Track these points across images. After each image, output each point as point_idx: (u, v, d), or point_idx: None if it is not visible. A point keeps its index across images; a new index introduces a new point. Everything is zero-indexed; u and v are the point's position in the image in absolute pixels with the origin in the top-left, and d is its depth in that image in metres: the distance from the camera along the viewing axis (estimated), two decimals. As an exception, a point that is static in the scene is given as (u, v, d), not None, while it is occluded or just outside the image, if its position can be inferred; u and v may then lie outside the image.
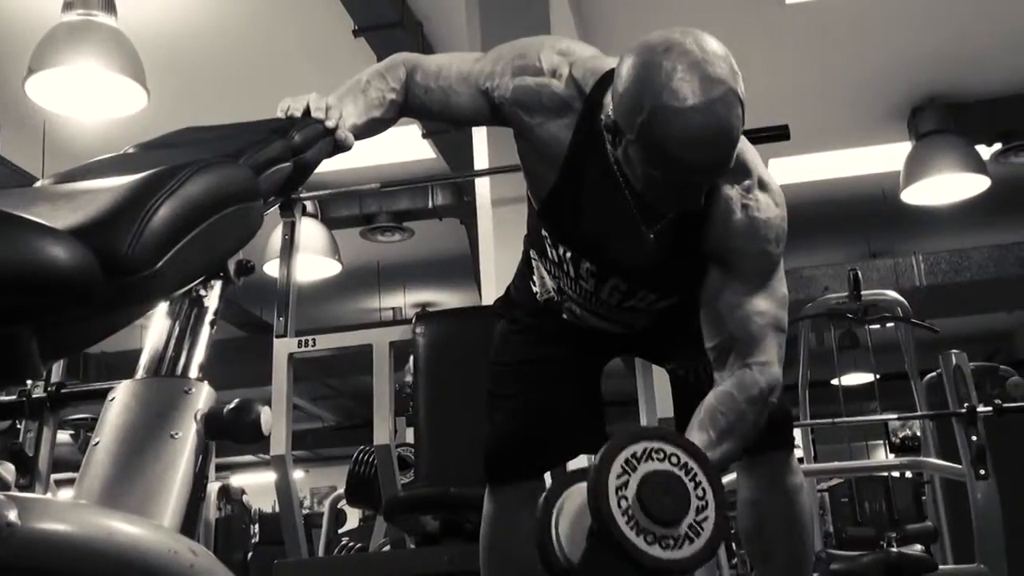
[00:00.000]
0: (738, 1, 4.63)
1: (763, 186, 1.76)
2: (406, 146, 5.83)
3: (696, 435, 1.64)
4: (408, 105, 1.86)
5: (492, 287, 3.47)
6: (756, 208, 1.73)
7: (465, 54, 1.91)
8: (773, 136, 2.97)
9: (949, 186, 5.79)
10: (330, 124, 1.57)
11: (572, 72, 1.73)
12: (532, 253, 2.02)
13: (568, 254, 1.86)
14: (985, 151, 5.94)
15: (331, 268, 6.47)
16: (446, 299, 9.06)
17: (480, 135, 3.71)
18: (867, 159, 6.46)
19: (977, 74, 5.61)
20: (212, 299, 1.20)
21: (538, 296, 2.05)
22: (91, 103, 4.40)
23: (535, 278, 2.04)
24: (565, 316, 2.02)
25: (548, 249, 1.91)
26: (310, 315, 6.85)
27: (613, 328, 1.99)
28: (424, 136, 5.58)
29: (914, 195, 5.87)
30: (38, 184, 1.18)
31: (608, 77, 1.65)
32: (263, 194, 1.18)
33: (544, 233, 1.90)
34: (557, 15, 3.82)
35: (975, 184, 5.79)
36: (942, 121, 5.78)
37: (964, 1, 4.81)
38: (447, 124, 1.91)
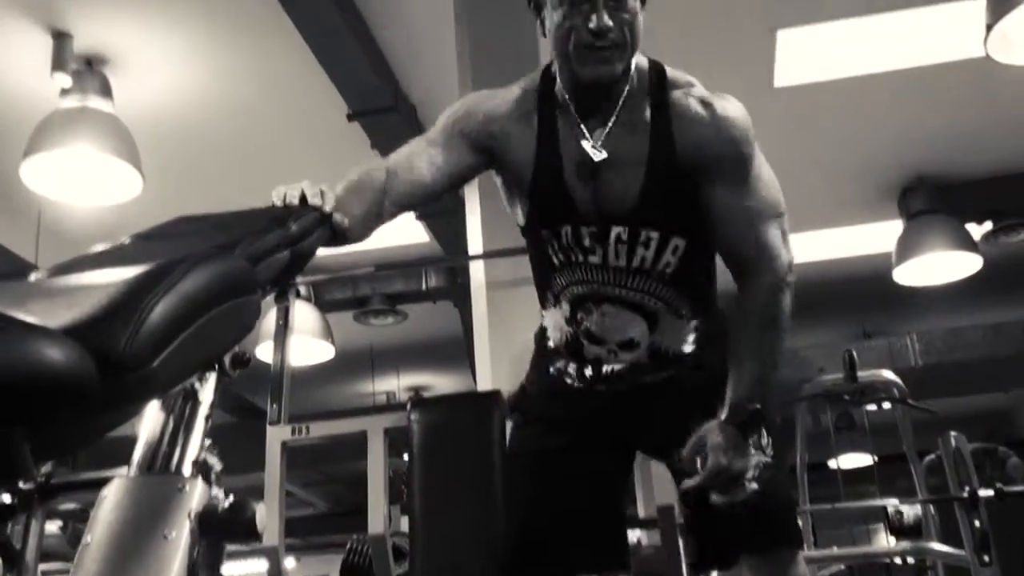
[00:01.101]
0: (727, 84, 4.67)
1: (713, 93, 1.92)
2: (400, 229, 5.83)
3: (748, 359, 1.82)
4: (396, 189, 1.85)
5: (486, 370, 3.45)
6: (716, 106, 1.88)
7: (413, 140, 1.99)
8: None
9: (941, 266, 5.81)
10: (327, 208, 1.56)
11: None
12: (543, 312, 2.05)
13: (569, 233, 1.89)
14: (976, 230, 5.97)
15: (325, 352, 6.44)
16: (440, 382, 9.00)
17: (474, 218, 3.71)
18: (859, 239, 6.48)
19: (966, 154, 5.66)
20: (207, 392, 1.18)
21: (553, 345, 2.04)
22: (86, 188, 4.42)
23: (550, 333, 2.05)
24: (584, 369, 2.01)
25: (553, 256, 1.93)
26: (303, 399, 6.79)
27: (632, 331, 1.93)
28: (418, 219, 5.59)
29: (906, 275, 5.88)
30: (32, 277, 1.17)
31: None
32: (260, 285, 1.16)
33: (545, 238, 1.92)
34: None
35: (967, 263, 5.80)
36: (932, 201, 5.81)
37: (952, 83, 4.87)
38: (437, 194, 1.90)
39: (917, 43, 4.56)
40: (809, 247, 6.51)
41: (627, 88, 1.87)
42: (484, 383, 3.41)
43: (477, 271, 3.63)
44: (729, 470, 1.71)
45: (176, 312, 0.92)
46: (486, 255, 3.51)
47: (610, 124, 1.87)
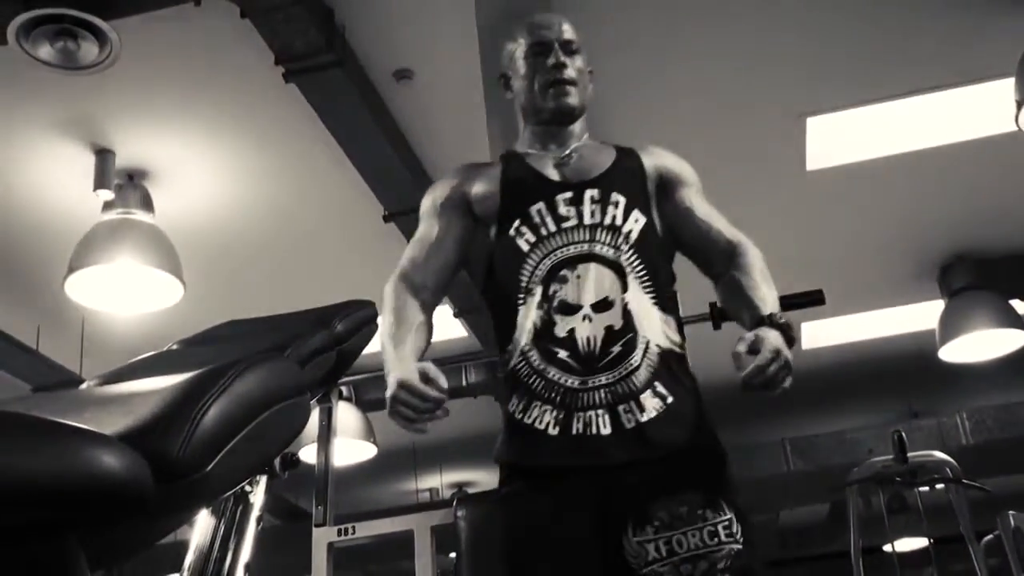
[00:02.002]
0: (760, 170, 4.71)
1: None
2: (438, 326, 5.85)
3: (764, 287, 1.96)
4: (427, 291, 2.11)
5: (532, 465, 3.42)
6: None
7: (411, 243, 2.22)
8: (809, 301, 2.96)
9: (986, 342, 5.73)
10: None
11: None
12: (512, 339, 2.00)
13: (543, 209, 2.02)
14: (1020, 306, 5.90)
15: (367, 451, 6.42)
16: (483, 478, 8.93)
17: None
18: (901, 318, 6.43)
19: (1004, 230, 5.63)
20: (258, 495, 1.18)
21: (525, 345, 1.96)
22: (129, 298, 4.49)
23: (518, 340, 1.98)
24: (559, 337, 1.93)
25: (522, 243, 2.00)
26: (346, 499, 6.76)
27: (606, 287, 1.95)
28: (456, 315, 5.61)
29: (952, 353, 5.80)
30: (84, 386, 1.18)
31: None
32: (309, 387, 1.17)
33: (514, 233, 2.02)
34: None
35: (1013, 339, 5.73)
36: (973, 277, 5.77)
37: (984, 159, 4.87)
38: (458, 265, 2.17)
39: (947, 122, 4.58)
40: (850, 328, 6.47)
41: (585, 133, 2.18)
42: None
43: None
44: (784, 356, 1.76)
45: (229, 416, 0.93)
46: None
47: (576, 144, 2.16)
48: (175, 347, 1.35)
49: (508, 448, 1.96)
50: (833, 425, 7.42)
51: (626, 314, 1.94)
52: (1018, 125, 3.85)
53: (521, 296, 1.98)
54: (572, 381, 1.89)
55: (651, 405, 1.88)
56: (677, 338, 2.01)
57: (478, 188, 2.12)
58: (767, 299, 1.94)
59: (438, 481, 8.92)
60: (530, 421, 1.90)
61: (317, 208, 4.87)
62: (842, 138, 4.67)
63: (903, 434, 4.25)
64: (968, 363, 6.01)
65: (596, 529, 1.83)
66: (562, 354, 1.91)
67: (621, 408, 1.88)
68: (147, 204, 4.40)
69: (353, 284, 5.15)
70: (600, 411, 1.87)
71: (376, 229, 4.74)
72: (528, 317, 1.96)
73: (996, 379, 6.91)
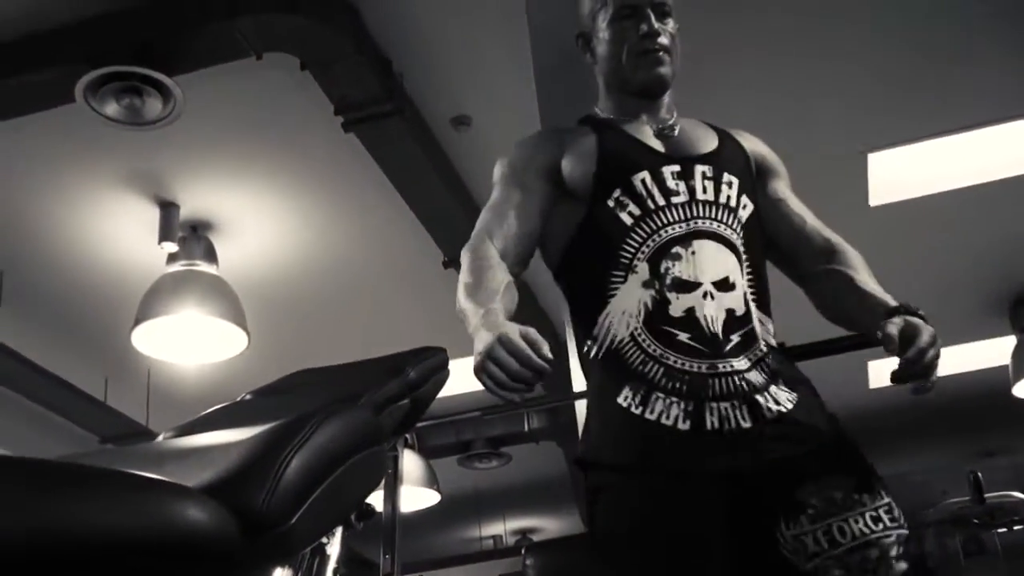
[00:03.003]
0: (823, 206, 4.64)
1: None
2: (499, 371, 5.84)
3: (875, 284, 1.82)
4: (508, 260, 1.81)
5: (600, 511, 3.37)
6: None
7: (486, 209, 1.96)
8: (874, 341, 2.90)
9: (1061, 378, 5.59)
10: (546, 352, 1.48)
11: None
12: (598, 321, 1.76)
13: (647, 179, 1.81)
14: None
15: (430, 498, 6.39)
16: (546, 524, 8.86)
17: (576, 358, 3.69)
18: (971, 355, 6.29)
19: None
20: (334, 546, 1.16)
21: (621, 345, 1.71)
22: (194, 349, 4.53)
23: (615, 328, 1.74)
24: (671, 297, 1.71)
25: (625, 216, 1.79)
26: (409, 547, 6.73)
27: (726, 266, 1.75)
28: (517, 360, 5.59)
29: (1027, 389, 5.67)
30: (160, 438, 1.18)
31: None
32: (387, 435, 1.16)
33: (614, 204, 1.80)
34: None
35: (1089, 374, 5.58)
36: (1046, 312, 5.65)
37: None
38: (539, 236, 1.88)
39: (1013, 154, 4.50)
40: (918, 367, 6.33)
41: (674, 105, 1.98)
42: (597, 524, 3.34)
43: (582, 408, 3.59)
44: (938, 344, 1.65)
45: (311, 467, 0.92)
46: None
47: (669, 116, 1.95)
48: (248, 397, 1.35)
49: (622, 448, 1.68)
50: (903, 466, 7.25)
51: (745, 300, 1.76)
52: (1089, 155, 3.77)
53: (620, 273, 1.75)
54: (699, 366, 1.66)
55: (783, 397, 1.69)
56: (774, 342, 1.81)
57: (568, 152, 1.90)
58: (885, 295, 1.77)
59: (501, 528, 8.87)
60: (653, 416, 1.64)
61: (377, 256, 4.89)
62: (905, 173, 4.60)
63: (979, 474, 4.14)
64: (1044, 399, 5.86)
65: (738, 529, 1.60)
66: (682, 336, 1.68)
67: (758, 397, 1.67)
68: (211, 255, 4.45)
69: (414, 330, 5.19)
70: (736, 401, 1.65)
71: (436, 275, 4.75)
72: (631, 297, 1.73)
73: (1073, 415, 6.73)
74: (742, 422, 1.64)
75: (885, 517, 1.58)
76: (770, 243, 1.93)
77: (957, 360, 6.36)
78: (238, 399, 1.37)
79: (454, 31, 3.70)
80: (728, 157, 1.89)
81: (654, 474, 1.64)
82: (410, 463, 5.81)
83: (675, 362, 1.66)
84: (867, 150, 4.39)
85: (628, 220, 1.78)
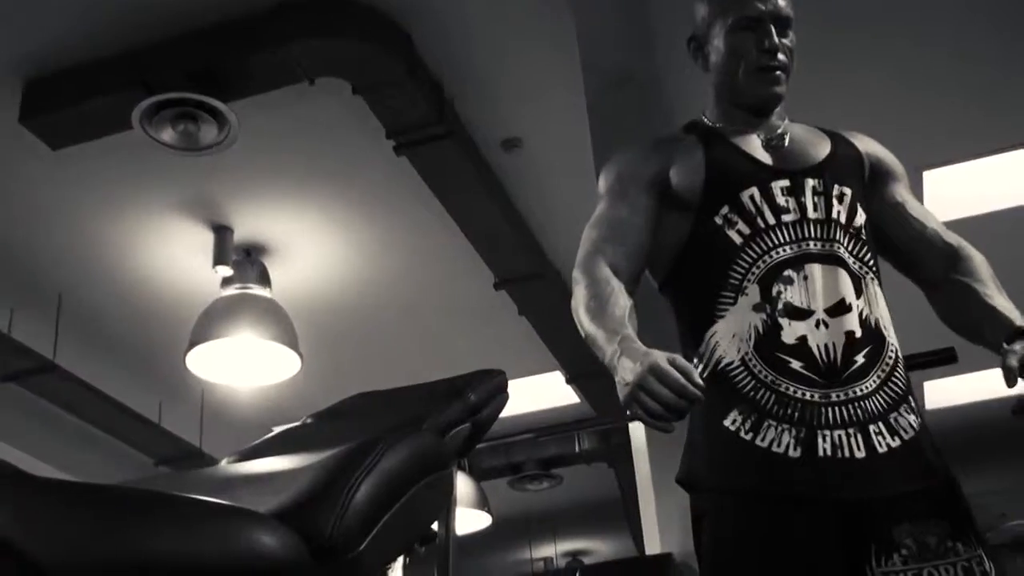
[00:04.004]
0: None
1: None
2: (550, 392, 5.83)
3: (1003, 298, 1.78)
4: (629, 275, 1.78)
5: (654, 534, 3.34)
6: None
7: (593, 224, 1.89)
8: (940, 360, 2.85)
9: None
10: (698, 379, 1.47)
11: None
12: (705, 339, 1.74)
13: (756, 195, 1.76)
14: None
15: (482, 520, 6.38)
16: (597, 546, 8.81)
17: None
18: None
19: None
20: (397, 573, 1.15)
21: (728, 367, 1.68)
22: (248, 371, 4.56)
23: (723, 350, 1.71)
24: (782, 325, 1.67)
25: (734, 235, 1.74)
26: (461, 570, 6.71)
27: (841, 289, 1.69)
28: (568, 382, 5.58)
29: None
30: (223, 462, 1.18)
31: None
32: (451, 459, 1.15)
33: (721, 221, 1.76)
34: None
35: None
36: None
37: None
38: (649, 249, 1.83)
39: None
40: (976, 387, 6.23)
41: (786, 113, 1.92)
42: (652, 546, 3.31)
43: (637, 431, 3.58)
44: None
45: (380, 492, 0.92)
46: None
47: (780, 124, 1.89)
48: (309, 421, 1.35)
49: (731, 472, 1.66)
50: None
51: (864, 320, 1.70)
52: None
53: (730, 295, 1.72)
54: (811, 394, 1.63)
55: (902, 425, 1.65)
56: (897, 355, 1.74)
57: (674, 163, 1.85)
58: (1012, 310, 1.72)
59: (552, 550, 8.82)
60: (764, 444, 1.62)
61: (429, 277, 4.91)
62: (961, 191, 4.54)
63: (1041, 496, 4.05)
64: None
65: (839, 558, 1.58)
66: (795, 364, 1.65)
67: (872, 429, 1.63)
68: (264, 279, 4.49)
69: (465, 351, 5.22)
70: (851, 430, 1.62)
71: (487, 297, 4.76)
72: (741, 319, 1.70)
73: None
74: (856, 451, 1.61)
75: (976, 570, 1.57)
76: (890, 247, 1.89)
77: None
78: (299, 423, 1.37)
79: (504, 54, 3.72)
80: (840, 165, 1.84)
81: (763, 500, 1.62)
82: (461, 485, 5.80)
83: (787, 389, 1.64)
84: (923, 167, 4.34)
85: (737, 239, 1.74)
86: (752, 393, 1.65)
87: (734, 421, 1.64)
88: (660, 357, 1.47)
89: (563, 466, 6.66)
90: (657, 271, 1.87)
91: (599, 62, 3.57)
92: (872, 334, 1.70)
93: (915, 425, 1.66)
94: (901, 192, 1.91)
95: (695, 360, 1.70)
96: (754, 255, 1.72)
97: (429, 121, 3.73)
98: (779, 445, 1.61)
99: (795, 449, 1.60)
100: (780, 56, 1.84)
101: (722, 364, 1.68)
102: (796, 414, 1.62)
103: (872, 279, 1.76)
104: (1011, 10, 3.64)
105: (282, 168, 4.14)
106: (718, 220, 1.76)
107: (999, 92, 3.98)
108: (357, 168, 4.16)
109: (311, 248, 4.62)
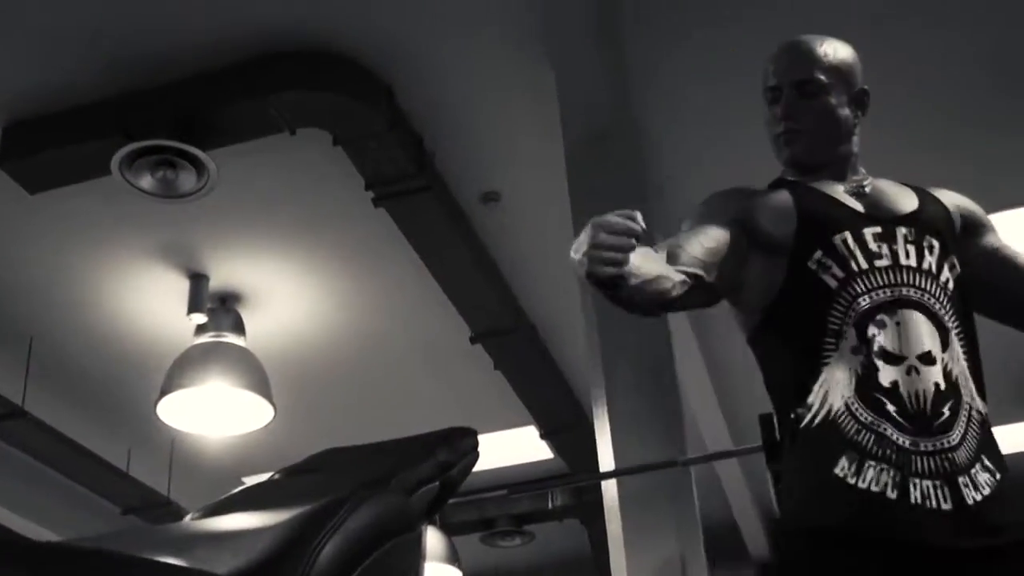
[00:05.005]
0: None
1: None
2: (524, 448, 5.80)
3: None
4: (688, 257, 1.79)
5: (625, 592, 3.31)
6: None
7: (673, 244, 1.85)
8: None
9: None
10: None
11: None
12: (813, 389, 1.74)
13: (849, 239, 1.79)
14: None
15: (452, 576, 6.31)
16: (569, 604, 8.71)
17: (604, 434, 3.65)
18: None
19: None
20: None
21: (834, 417, 1.70)
22: (219, 421, 4.52)
23: (831, 399, 1.72)
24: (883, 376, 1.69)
25: (829, 279, 1.77)
26: (430, 627, 6.62)
27: (928, 341, 1.72)
28: (542, 437, 5.55)
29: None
30: (187, 518, 1.16)
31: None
32: (419, 520, 1.14)
33: (815, 265, 1.79)
34: (675, 318, 3.83)
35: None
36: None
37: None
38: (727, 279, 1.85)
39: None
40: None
41: (860, 170, 1.96)
42: (622, 606, 3.27)
43: (610, 488, 3.54)
44: None
45: (345, 554, 0.90)
46: (623, 472, 3.43)
47: (857, 176, 1.95)
48: (277, 476, 1.33)
49: (831, 512, 1.67)
50: None
51: (947, 373, 1.72)
52: None
53: (831, 340, 1.74)
54: (903, 440, 1.65)
55: (983, 480, 1.66)
56: (986, 408, 1.78)
57: (761, 207, 1.89)
58: None
59: (522, 607, 8.72)
60: (865, 485, 1.63)
61: (405, 331, 4.89)
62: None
63: None
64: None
65: None
66: (890, 407, 1.68)
67: (960, 480, 1.64)
68: (239, 328, 4.46)
69: (440, 404, 5.20)
70: (938, 481, 1.63)
71: (463, 350, 4.74)
72: (843, 364, 1.72)
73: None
74: (943, 503, 1.63)
75: None
76: (994, 293, 1.92)
77: (1014, 440, 6.22)
78: (267, 478, 1.35)
79: (485, 109, 3.75)
80: (930, 218, 1.87)
81: (861, 540, 1.63)
82: (432, 540, 5.74)
83: (885, 430, 1.67)
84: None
85: (833, 283, 1.77)
86: (856, 436, 1.67)
87: (842, 468, 1.66)
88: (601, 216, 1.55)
89: (535, 522, 6.60)
90: (748, 320, 1.90)
91: (578, 118, 3.60)
92: (954, 388, 1.71)
93: (995, 481, 1.68)
94: (996, 239, 1.95)
95: (801, 410, 1.73)
96: (848, 298, 1.75)
97: (409, 173, 3.74)
98: (878, 485, 1.64)
99: (892, 491, 1.63)
100: (789, 122, 1.93)
101: (832, 413, 1.70)
102: (893, 456, 1.65)
103: (957, 334, 1.78)
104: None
105: (260, 217, 4.14)
106: (812, 265, 1.79)
107: (1006, 152, 4.00)
108: (335, 219, 4.16)
109: (287, 298, 4.60)
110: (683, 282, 1.75)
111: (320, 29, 3.41)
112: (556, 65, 3.53)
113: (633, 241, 1.54)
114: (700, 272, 1.78)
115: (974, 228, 1.95)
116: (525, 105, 3.71)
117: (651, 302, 1.72)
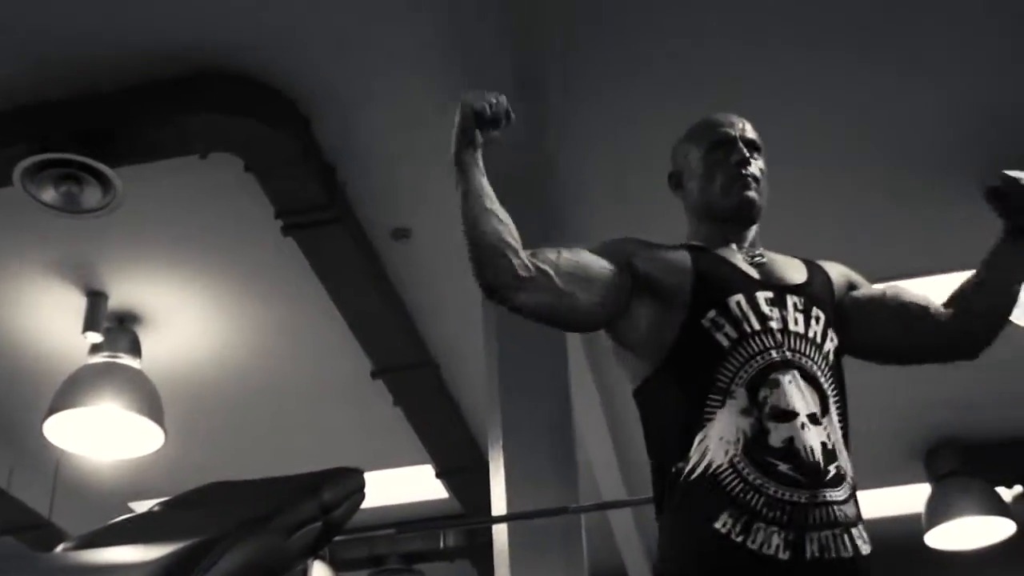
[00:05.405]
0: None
1: None
2: (418, 485, 5.77)
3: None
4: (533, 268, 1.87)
5: (510, 639, 3.30)
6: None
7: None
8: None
9: (973, 530, 5.64)
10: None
11: None
12: (695, 445, 1.77)
13: (742, 301, 1.85)
14: (1006, 493, 5.84)
15: (339, 613, 6.22)
16: (456, 646, 8.64)
17: (498, 478, 3.66)
18: (886, 501, 6.34)
19: (990, 416, 5.62)
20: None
21: (717, 471, 1.72)
22: (107, 443, 4.42)
23: (712, 454, 1.75)
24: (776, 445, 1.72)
25: (721, 338, 1.81)
26: (313, 663, 6.50)
27: (814, 405, 1.78)
28: (438, 476, 5.53)
29: (938, 539, 5.70)
30: (59, 549, 1.13)
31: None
32: (294, 562, 1.13)
33: (708, 324, 1.83)
34: (574, 354, 3.87)
35: (1000, 528, 5.64)
36: (960, 463, 5.72)
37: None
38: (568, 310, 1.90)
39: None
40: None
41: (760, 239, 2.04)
42: (508, 651, 3.26)
43: (501, 532, 3.54)
44: None
45: (214, 597, 0.89)
46: (514, 516, 3.43)
47: (759, 248, 2.02)
48: (157, 509, 1.31)
49: (712, 568, 1.70)
50: None
51: (829, 437, 1.77)
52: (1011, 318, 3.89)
53: (717, 398, 1.78)
54: (799, 496, 1.68)
55: (866, 537, 1.75)
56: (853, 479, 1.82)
57: (657, 259, 1.95)
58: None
59: (409, 647, 8.62)
60: (755, 546, 1.65)
61: (306, 362, 4.84)
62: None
63: (890, 623, 4.13)
64: (954, 550, 5.91)
65: None
66: (782, 467, 1.70)
67: (855, 532, 1.72)
68: (135, 349, 4.37)
69: (337, 438, 5.15)
70: (837, 530, 1.69)
71: (364, 384, 4.71)
72: (729, 423, 1.75)
73: (983, 568, 6.78)
74: (843, 551, 1.68)
75: None
76: (892, 331, 2.03)
77: (873, 504, 6.38)
78: (147, 510, 1.33)
79: (400, 145, 3.75)
80: (816, 290, 1.95)
81: None
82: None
83: (775, 492, 1.69)
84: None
85: (725, 342, 1.81)
86: (742, 496, 1.69)
87: (724, 524, 1.68)
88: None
89: (426, 561, 6.54)
90: (638, 372, 1.92)
91: (493, 160, 3.62)
92: (835, 452, 1.77)
93: (868, 542, 1.75)
94: (874, 287, 2.07)
95: (680, 464, 1.76)
96: (741, 359, 1.79)
97: (319, 205, 3.73)
98: (769, 547, 1.66)
99: (784, 552, 1.66)
100: (751, 168, 2.02)
101: (712, 468, 1.73)
102: (785, 517, 1.67)
103: (835, 402, 1.84)
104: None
105: (165, 238, 4.08)
106: (705, 323, 1.84)
107: (867, 225, 4.14)
108: (242, 245, 4.11)
109: (187, 322, 4.52)
110: (526, 267, 1.84)
111: (239, 55, 3.38)
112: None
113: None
114: (550, 272, 1.85)
115: (855, 287, 2.06)
116: (441, 145, 3.71)
117: (493, 245, 1.86)
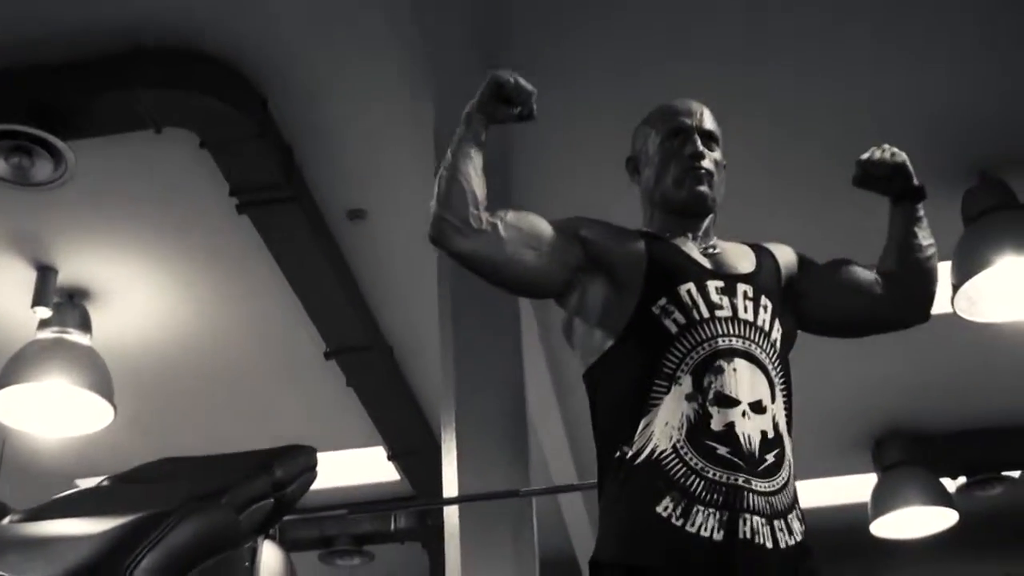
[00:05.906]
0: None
1: None
2: (370, 467, 5.76)
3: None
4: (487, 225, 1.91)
5: (458, 620, 3.31)
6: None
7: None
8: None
9: (917, 519, 5.73)
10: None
11: None
12: (640, 431, 1.79)
13: (693, 290, 1.88)
14: (951, 484, 5.93)
15: (287, 594, 6.20)
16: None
17: (451, 460, 3.66)
18: (834, 490, 6.42)
19: (938, 407, 5.70)
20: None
21: (660, 457, 1.76)
22: (56, 420, 4.36)
23: (656, 439, 1.78)
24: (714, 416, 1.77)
25: (670, 324, 1.84)
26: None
27: (760, 391, 1.82)
28: (389, 458, 5.52)
29: (883, 528, 5.79)
30: (5, 521, 1.12)
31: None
32: (246, 537, 1.12)
33: (659, 311, 1.86)
34: (528, 340, 3.88)
35: (943, 518, 5.73)
36: (906, 453, 5.80)
37: (921, 337, 4.93)
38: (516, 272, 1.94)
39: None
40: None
41: (713, 229, 2.06)
42: (456, 633, 3.27)
43: (452, 514, 3.55)
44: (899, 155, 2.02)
45: (163, 568, 0.88)
46: (464, 498, 3.44)
47: (710, 238, 2.04)
48: (106, 483, 1.30)
49: (653, 553, 1.72)
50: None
51: (775, 424, 1.81)
52: (953, 307, 3.95)
53: (663, 384, 1.80)
54: (735, 478, 1.73)
55: (796, 528, 1.77)
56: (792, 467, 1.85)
57: (618, 244, 1.97)
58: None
59: (357, 628, 8.62)
60: (693, 529, 1.69)
61: (259, 341, 4.81)
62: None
63: (834, 609, 4.19)
64: (899, 539, 6.00)
65: None
66: (722, 450, 1.74)
67: (776, 524, 1.74)
68: (85, 325, 4.32)
69: (288, 417, 5.12)
70: (762, 520, 1.72)
71: (316, 365, 4.70)
72: (675, 408, 1.78)
73: (926, 556, 6.90)
74: (767, 542, 1.71)
75: None
76: (846, 300, 2.10)
77: (820, 494, 6.48)
78: (96, 484, 1.31)
79: (358, 126, 3.73)
80: (765, 278, 1.99)
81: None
82: (269, 556, 5.63)
83: (714, 474, 1.72)
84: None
85: (673, 328, 1.84)
86: (683, 480, 1.72)
87: (666, 508, 1.71)
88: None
89: (376, 543, 6.54)
90: (588, 356, 1.95)
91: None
92: (779, 438, 1.81)
93: (802, 531, 1.79)
94: (824, 263, 2.12)
95: (625, 447, 1.78)
96: (688, 346, 1.82)
97: (275, 183, 3.70)
98: (706, 530, 1.70)
99: (718, 532, 1.69)
100: (704, 161, 2.02)
101: (656, 453, 1.75)
102: (721, 499, 1.71)
103: (781, 390, 1.87)
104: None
105: (117, 213, 4.02)
106: (655, 310, 1.86)
107: (814, 224, 4.18)
108: (196, 222, 4.07)
109: (139, 298, 4.47)
110: (479, 219, 1.88)
111: (197, 29, 3.34)
112: (436, 99, 3.54)
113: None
114: (500, 230, 1.89)
115: (804, 267, 2.10)
116: (401, 130, 3.71)
117: (462, 187, 1.90)
